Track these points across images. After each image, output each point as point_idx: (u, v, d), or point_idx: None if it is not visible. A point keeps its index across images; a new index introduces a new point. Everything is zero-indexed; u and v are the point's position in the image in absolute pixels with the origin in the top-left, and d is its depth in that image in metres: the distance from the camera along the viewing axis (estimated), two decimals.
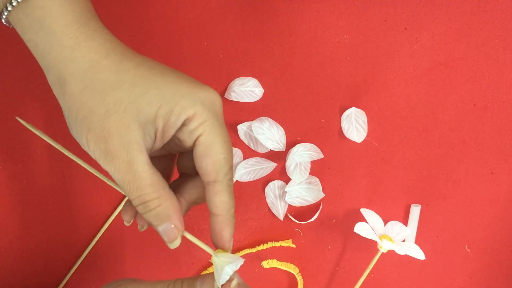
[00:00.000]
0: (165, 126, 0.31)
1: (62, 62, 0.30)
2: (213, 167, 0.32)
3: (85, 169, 0.48)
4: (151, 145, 0.32)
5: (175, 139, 0.33)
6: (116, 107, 0.30)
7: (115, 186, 0.34)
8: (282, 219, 0.48)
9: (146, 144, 0.31)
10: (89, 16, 0.32)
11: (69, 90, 0.31)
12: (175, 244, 0.33)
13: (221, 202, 0.33)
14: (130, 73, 0.31)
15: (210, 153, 0.32)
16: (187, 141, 0.32)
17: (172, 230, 0.32)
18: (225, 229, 0.33)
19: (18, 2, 0.30)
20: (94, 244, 0.49)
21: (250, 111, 0.47)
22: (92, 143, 0.31)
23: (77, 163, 0.48)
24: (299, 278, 0.49)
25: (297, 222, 0.48)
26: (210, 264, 0.49)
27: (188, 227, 0.49)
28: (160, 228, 0.32)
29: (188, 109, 0.31)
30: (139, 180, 0.31)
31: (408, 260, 0.48)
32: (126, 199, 0.48)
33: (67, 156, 0.48)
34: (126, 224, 0.35)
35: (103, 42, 0.31)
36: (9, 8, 0.31)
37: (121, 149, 0.30)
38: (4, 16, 0.31)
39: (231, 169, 0.33)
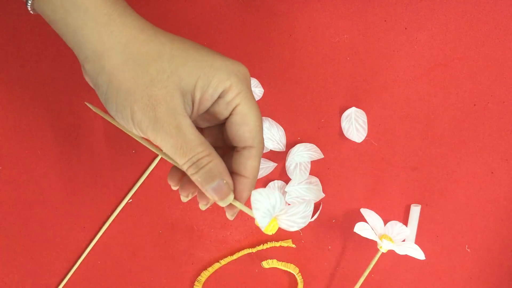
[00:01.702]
0: (202, 98, 0.33)
1: (97, 37, 0.31)
2: (249, 134, 0.34)
3: (85, 169, 0.48)
4: (189, 114, 0.33)
5: (205, 115, 0.35)
6: (160, 77, 0.32)
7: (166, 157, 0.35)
8: None
9: (187, 112, 0.33)
10: None
11: (109, 63, 0.32)
12: (228, 199, 0.34)
13: (251, 166, 0.35)
14: (167, 46, 0.32)
15: (247, 121, 0.34)
16: (223, 112, 0.34)
17: (224, 186, 0.33)
18: (246, 191, 0.35)
19: None
20: (94, 244, 0.49)
21: None
22: (139, 113, 0.32)
23: (77, 164, 0.48)
24: (299, 278, 0.49)
25: None
26: (210, 264, 0.49)
27: (187, 228, 0.49)
28: (212, 185, 0.33)
29: (225, 81, 0.33)
30: (190, 142, 0.32)
31: (408, 260, 0.48)
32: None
33: (67, 156, 0.48)
34: (174, 188, 0.36)
35: (135, 18, 0.33)
36: None
37: (169, 115, 0.32)
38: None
39: (263, 137, 0.36)
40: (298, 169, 0.47)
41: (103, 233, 0.49)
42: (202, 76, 0.32)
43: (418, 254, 0.45)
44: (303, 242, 0.49)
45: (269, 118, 0.47)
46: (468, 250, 0.49)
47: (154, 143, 0.33)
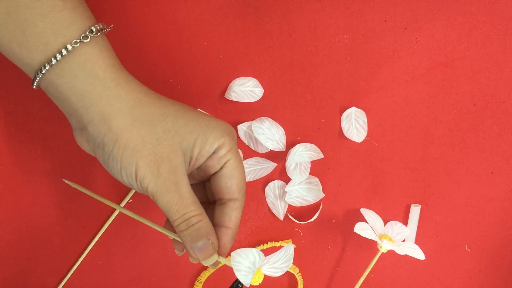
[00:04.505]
0: (199, 154, 0.36)
1: (106, 100, 0.34)
2: (236, 186, 0.38)
3: (86, 169, 0.48)
4: (186, 171, 0.36)
5: (195, 172, 0.39)
6: (165, 136, 0.35)
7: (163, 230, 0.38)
8: (282, 219, 0.48)
9: (185, 169, 0.36)
10: (120, 63, 0.36)
11: (117, 123, 0.34)
12: (212, 259, 0.36)
13: (235, 217, 0.38)
14: (170, 108, 0.36)
15: (236, 175, 0.38)
16: (215, 166, 0.37)
17: (210, 246, 0.36)
18: (230, 241, 0.38)
19: (62, 55, 0.33)
20: (94, 244, 0.49)
21: (250, 111, 0.47)
22: (143, 168, 0.34)
23: (78, 163, 0.48)
24: (299, 278, 0.49)
25: (297, 222, 0.48)
26: None
27: None
28: (199, 244, 0.36)
29: (219, 138, 0.36)
30: (185, 199, 0.35)
31: (408, 260, 0.48)
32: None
33: (66, 157, 0.48)
34: (179, 254, 0.39)
35: (138, 84, 0.36)
36: (53, 62, 0.33)
37: (170, 172, 0.35)
38: (44, 71, 0.34)
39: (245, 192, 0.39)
40: (298, 169, 0.47)
41: (103, 233, 0.49)
42: (201, 134, 0.36)
43: (418, 254, 0.45)
44: (303, 242, 0.49)
45: (269, 118, 0.47)
46: (468, 250, 0.49)
47: (152, 197, 0.35)
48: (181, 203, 0.35)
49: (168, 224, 0.39)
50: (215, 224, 0.38)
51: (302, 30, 0.46)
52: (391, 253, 0.46)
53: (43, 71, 0.33)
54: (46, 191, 0.48)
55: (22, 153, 0.48)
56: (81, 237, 0.49)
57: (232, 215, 0.38)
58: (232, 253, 0.35)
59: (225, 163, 0.37)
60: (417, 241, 0.48)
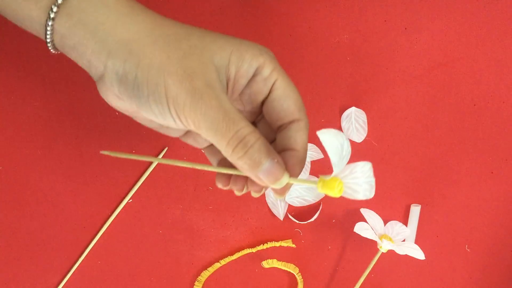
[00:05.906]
0: (237, 74, 0.32)
1: (122, 27, 0.31)
2: (295, 106, 0.33)
3: (85, 169, 0.48)
4: (225, 92, 0.31)
5: (240, 102, 0.34)
6: (192, 51, 0.30)
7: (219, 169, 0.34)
8: (282, 219, 0.48)
9: (223, 88, 0.31)
10: None
11: (137, 45, 0.30)
12: (284, 180, 0.31)
13: (302, 139, 0.33)
14: (194, 28, 0.32)
15: (290, 94, 0.33)
16: (262, 89, 0.33)
17: (277, 164, 0.30)
18: (299, 165, 0.32)
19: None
20: (94, 244, 0.49)
21: None
22: (174, 86, 0.29)
23: (77, 163, 0.48)
24: (299, 278, 0.49)
25: (297, 222, 0.48)
26: (210, 264, 0.49)
27: (187, 228, 0.49)
28: (265, 166, 0.30)
29: (258, 56, 0.32)
30: (232, 114, 0.30)
31: (408, 260, 0.48)
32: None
33: (66, 157, 0.48)
34: (224, 188, 0.34)
35: (154, 12, 0.33)
36: (60, 1, 0.31)
37: (206, 86, 0.30)
38: (53, 15, 0.31)
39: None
40: None
41: (103, 233, 0.49)
42: (235, 51, 0.31)
43: (418, 254, 0.45)
44: (303, 242, 0.49)
45: None
46: (468, 250, 0.49)
47: (192, 123, 0.30)
48: (229, 119, 0.29)
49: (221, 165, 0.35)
50: (279, 151, 0.33)
51: (302, 30, 0.46)
52: (391, 253, 0.46)
53: (52, 16, 0.31)
54: (47, 191, 0.48)
55: (22, 153, 0.48)
56: (81, 237, 0.49)
57: (297, 136, 0.32)
58: (318, 132, 0.29)
59: (273, 85, 0.32)
60: (417, 241, 0.48)
